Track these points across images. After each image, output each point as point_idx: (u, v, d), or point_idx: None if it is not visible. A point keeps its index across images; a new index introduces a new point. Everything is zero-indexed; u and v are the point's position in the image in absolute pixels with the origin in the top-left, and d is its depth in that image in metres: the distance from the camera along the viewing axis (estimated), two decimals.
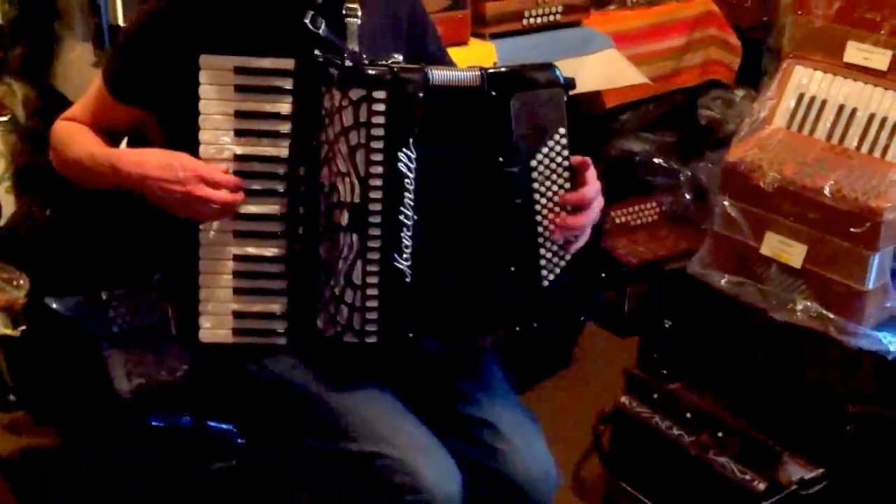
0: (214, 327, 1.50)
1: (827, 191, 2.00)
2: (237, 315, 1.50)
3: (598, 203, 1.55)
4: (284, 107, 1.47)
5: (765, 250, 2.09)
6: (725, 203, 2.14)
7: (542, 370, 2.84)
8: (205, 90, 1.46)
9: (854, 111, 2.12)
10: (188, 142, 1.48)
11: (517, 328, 1.55)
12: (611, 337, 3.07)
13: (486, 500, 1.54)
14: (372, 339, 1.48)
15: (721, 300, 2.15)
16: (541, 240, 1.53)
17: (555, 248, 1.54)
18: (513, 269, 1.53)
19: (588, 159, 1.54)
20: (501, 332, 1.56)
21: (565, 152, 1.51)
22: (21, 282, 2.35)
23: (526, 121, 1.50)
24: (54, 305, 2.35)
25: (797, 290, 2.05)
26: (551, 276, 1.55)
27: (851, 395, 1.99)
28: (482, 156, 1.50)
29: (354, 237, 1.45)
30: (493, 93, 1.48)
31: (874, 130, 2.08)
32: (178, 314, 2.08)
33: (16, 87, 2.78)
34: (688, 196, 3.17)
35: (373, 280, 1.47)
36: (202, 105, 1.46)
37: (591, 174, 1.55)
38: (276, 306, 1.51)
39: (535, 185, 1.52)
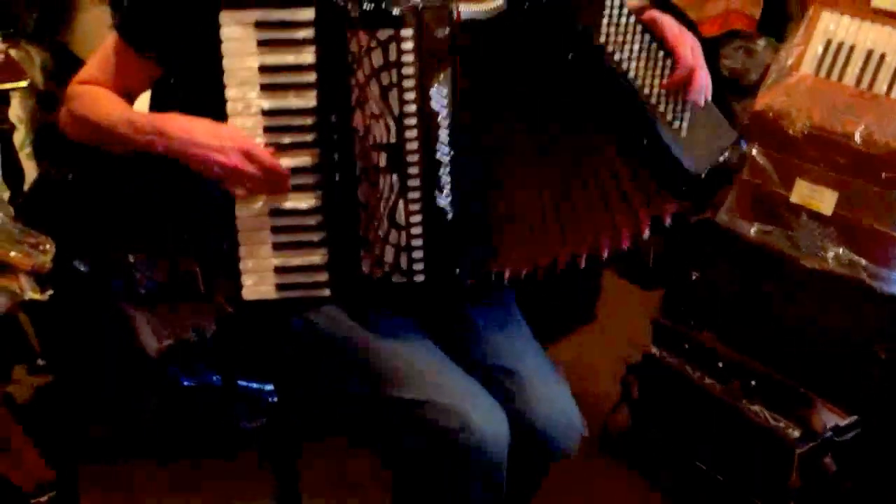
0: (257, 284, 1.50)
1: (857, 136, 1.98)
2: (279, 270, 1.50)
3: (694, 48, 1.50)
4: (308, 57, 1.46)
5: (795, 198, 2.08)
6: (754, 151, 2.13)
7: (566, 324, 2.85)
8: (227, 47, 1.44)
9: (883, 56, 2.09)
10: (212, 98, 1.47)
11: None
12: (634, 289, 3.07)
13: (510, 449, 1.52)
14: (420, 278, 1.48)
15: (750, 249, 2.14)
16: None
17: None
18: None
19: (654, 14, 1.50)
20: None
21: (626, 10, 1.47)
22: (47, 246, 2.34)
23: (576, 11, 1.47)
24: (81, 268, 2.35)
25: (828, 237, 2.04)
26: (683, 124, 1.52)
27: (883, 341, 1.99)
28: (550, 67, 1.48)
29: (394, 177, 1.45)
30: (526, 5, 1.46)
31: None
32: (206, 273, 2.08)
33: (33, 53, 2.76)
34: None
35: (416, 219, 1.47)
36: (226, 62, 1.45)
37: (669, 25, 1.50)
38: (317, 257, 1.50)
39: (619, 57, 1.47)
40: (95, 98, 1.57)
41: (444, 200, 1.47)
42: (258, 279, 1.50)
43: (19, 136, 2.73)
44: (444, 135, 1.46)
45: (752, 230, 2.14)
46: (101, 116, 1.55)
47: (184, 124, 1.48)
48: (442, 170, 1.47)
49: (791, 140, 2.07)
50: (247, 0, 1.44)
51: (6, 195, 2.60)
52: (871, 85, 2.10)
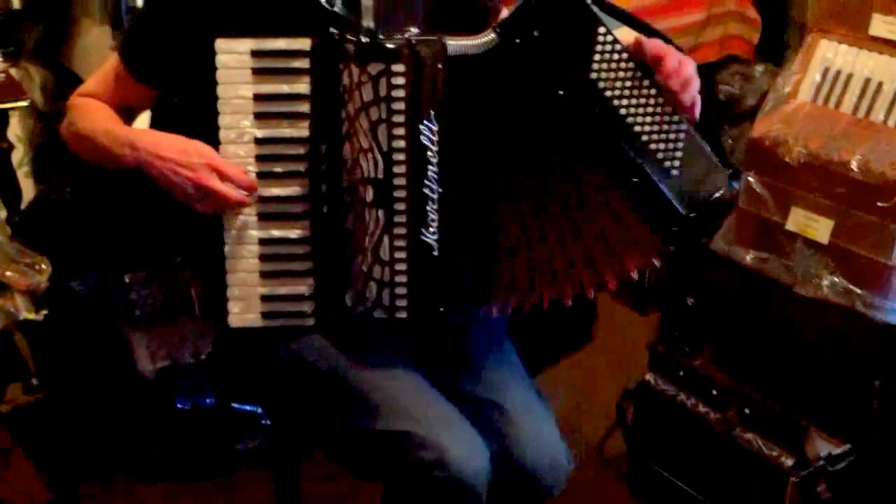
0: (243, 312, 1.51)
1: (854, 165, 1.97)
2: (265, 298, 1.50)
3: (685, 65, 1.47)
4: (302, 87, 1.46)
5: (791, 225, 2.07)
6: (750, 178, 2.12)
7: (563, 347, 2.85)
8: (222, 74, 1.45)
9: (880, 84, 2.09)
10: (207, 125, 1.47)
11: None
12: (631, 313, 3.07)
13: (494, 483, 1.52)
14: (402, 315, 1.48)
15: (746, 276, 2.14)
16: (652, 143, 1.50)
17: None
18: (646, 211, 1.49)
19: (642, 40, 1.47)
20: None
21: (619, 46, 1.46)
22: (43, 266, 2.35)
23: (567, 47, 1.46)
24: (77, 288, 2.36)
25: (823, 265, 2.03)
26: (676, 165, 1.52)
27: (878, 370, 1.98)
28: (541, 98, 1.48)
29: (380, 212, 1.45)
30: (518, 41, 1.45)
31: None
32: (203, 294, 2.08)
33: (33, 72, 2.78)
34: None
35: (400, 255, 1.46)
36: (220, 89, 1.45)
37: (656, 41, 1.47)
38: (304, 287, 1.51)
39: (611, 94, 1.46)
40: (89, 110, 1.59)
41: (430, 237, 1.47)
42: (244, 306, 1.51)
43: (17, 155, 2.74)
44: (432, 170, 1.45)
45: (749, 257, 2.13)
46: (88, 127, 1.56)
47: (153, 138, 1.50)
48: (429, 206, 1.46)
49: (787, 167, 2.06)
50: (243, 28, 1.44)
51: (3, 214, 2.61)
52: (868, 113, 2.10)
